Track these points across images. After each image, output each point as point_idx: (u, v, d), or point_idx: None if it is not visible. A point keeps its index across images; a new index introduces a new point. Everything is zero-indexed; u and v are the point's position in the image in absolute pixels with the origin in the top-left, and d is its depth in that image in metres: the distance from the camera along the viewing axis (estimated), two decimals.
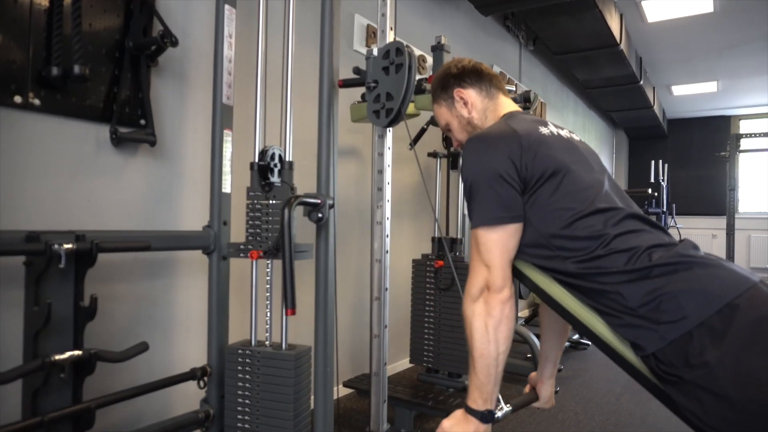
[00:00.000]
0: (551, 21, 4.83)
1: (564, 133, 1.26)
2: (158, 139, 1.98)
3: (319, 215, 1.71)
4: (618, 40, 5.29)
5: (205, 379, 1.91)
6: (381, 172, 1.77)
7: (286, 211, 1.52)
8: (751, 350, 0.90)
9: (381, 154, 1.77)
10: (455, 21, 4.24)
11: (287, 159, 1.91)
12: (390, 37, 1.78)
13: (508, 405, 1.30)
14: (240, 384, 1.87)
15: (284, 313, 1.62)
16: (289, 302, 1.50)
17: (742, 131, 9.55)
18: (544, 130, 1.21)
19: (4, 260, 1.51)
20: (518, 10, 4.85)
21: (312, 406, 1.82)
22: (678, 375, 0.96)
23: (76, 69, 1.64)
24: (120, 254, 1.88)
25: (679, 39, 6.10)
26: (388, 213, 1.78)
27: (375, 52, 1.71)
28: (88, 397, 1.52)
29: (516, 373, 3.36)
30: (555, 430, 2.59)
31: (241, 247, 1.90)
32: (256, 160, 1.85)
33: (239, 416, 1.87)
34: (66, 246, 1.41)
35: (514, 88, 2.90)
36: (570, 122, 7.40)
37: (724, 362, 0.91)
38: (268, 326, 1.88)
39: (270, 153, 1.88)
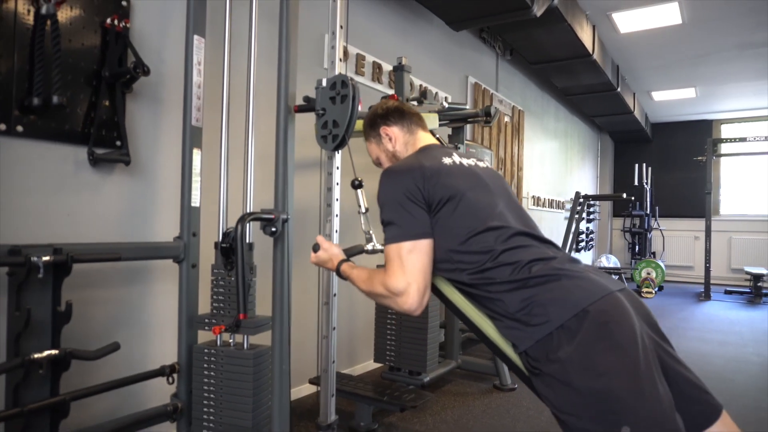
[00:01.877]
0: (525, 33, 5.04)
1: (467, 161, 1.46)
2: (133, 158, 2.18)
3: (273, 229, 1.91)
4: (590, 50, 5.50)
5: (174, 375, 2.11)
6: (330, 189, 1.97)
7: (239, 226, 1.73)
8: (594, 348, 1.11)
9: (330, 173, 1.97)
10: (428, 35, 4.44)
11: (248, 241, 2.07)
12: (339, 68, 1.98)
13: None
14: (206, 380, 2.08)
15: (238, 317, 1.82)
16: (242, 308, 1.71)
17: (723, 135, 9.76)
18: (447, 160, 1.41)
19: None
20: (491, 25, 5.06)
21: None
22: (539, 368, 1.17)
23: (55, 99, 1.85)
24: (99, 264, 2.08)
25: (653, 48, 6.31)
26: (336, 226, 1.98)
27: (324, 82, 1.91)
28: (66, 391, 1.72)
29: (481, 372, 3.57)
30: (506, 424, 2.79)
31: (206, 320, 2.10)
32: (220, 240, 2.04)
33: (205, 409, 2.08)
34: (44, 258, 1.62)
35: (467, 106, 3.09)
36: (551, 128, 7.61)
37: (573, 357, 1.11)
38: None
39: (232, 236, 2.05)
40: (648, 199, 9.28)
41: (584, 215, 8.37)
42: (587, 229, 9.01)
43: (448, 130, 3.55)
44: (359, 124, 2.69)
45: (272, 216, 1.90)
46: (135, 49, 2.11)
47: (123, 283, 2.20)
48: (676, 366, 1.23)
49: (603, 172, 10.58)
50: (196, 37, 2.21)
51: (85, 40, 2.04)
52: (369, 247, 1.84)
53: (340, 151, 1.97)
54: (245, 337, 2.08)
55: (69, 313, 1.69)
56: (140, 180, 2.25)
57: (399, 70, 2.90)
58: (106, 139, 2.10)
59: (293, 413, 2.79)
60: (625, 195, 7.14)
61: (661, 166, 10.11)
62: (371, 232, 1.83)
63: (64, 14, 1.96)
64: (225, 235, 2.05)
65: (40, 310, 1.64)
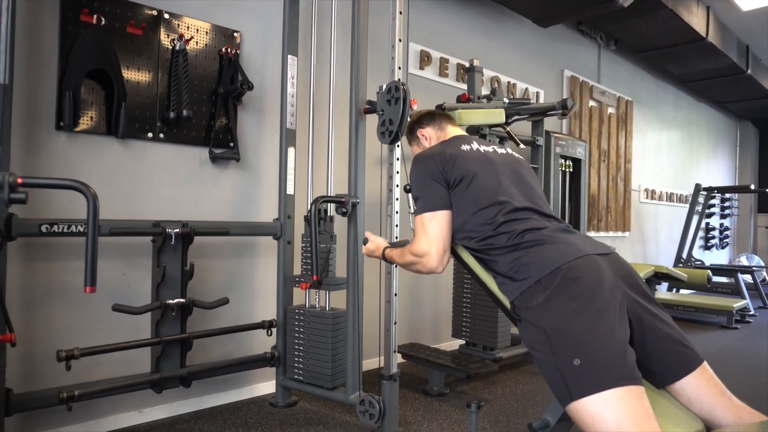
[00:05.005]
0: (622, 25, 4.95)
1: (484, 148, 1.74)
2: (242, 156, 2.75)
3: (344, 210, 2.33)
4: (704, 33, 5.20)
5: (273, 330, 2.63)
6: (391, 177, 2.33)
7: (314, 206, 2.17)
8: (559, 297, 1.34)
9: (391, 164, 2.34)
10: (518, 33, 4.59)
11: (330, 213, 2.58)
12: (399, 75, 2.33)
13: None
14: (296, 335, 2.56)
15: (313, 278, 2.27)
16: (315, 270, 2.14)
17: None
18: (465, 147, 1.71)
19: (141, 239, 2.35)
20: (581, 19, 5.03)
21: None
22: (520, 315, 1.43)
23: (185, 113, 2.45)
24: (217, 238, 2.67)
25: None
26: (397, 208, 2.34)
27: (383, 88, 2.28)
28: (191, 331, 2.30)
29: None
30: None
31: (296, 279, 2.59)
32: (309, 212, 2.52)
33: (296, 358, 2.56)
34: (175, 230, 2.20)
35: (531, 101, 3.24)
36: (669, 118, 7.19)
37: (543, 304, 1.36)
38: (317, 295, 2.55)
39: (316, 209, 2.52)
40: None
41: (715, 210, 7.73)
42: (721, 225, 8.29)
43: (529, 124, 3.72)
44: None
45: (342, 199, 2.32)
46: (242, 69, 2.67)
47: (234, 255, 2.78)
48: (653, 321, 1.40)
49: (743, 163, 9.59)
50: (290, 56, 2.72)
51: (207, 66, 2.63)
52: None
53: (399, 144, 2.32)
54: (327, 300, 2.53)
55: (192, 271, 2.26)
56: (247, 173, 2.82)
57: (470, 70, 3.17)
58: (222, 142, 2.68)
59: (372, 375, 3.20)
60: (753, 187, 6.49)
61: None
62: None
63: (191, 47, 2.57)
64: (311, 209, 2.52)
65: (173, 268, 2.23)
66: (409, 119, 2.00)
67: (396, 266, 2.18)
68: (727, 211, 8.38)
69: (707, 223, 7.97)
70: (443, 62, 3.87)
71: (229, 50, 2.66)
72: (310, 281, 2.41)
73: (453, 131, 1.87)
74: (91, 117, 2.27)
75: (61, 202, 2.17)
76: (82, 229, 2.01)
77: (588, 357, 1.26)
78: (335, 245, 2.55)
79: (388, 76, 2.32)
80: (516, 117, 3.38)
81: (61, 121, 2.17)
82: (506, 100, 3.02)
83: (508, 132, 3.13)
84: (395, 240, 1.99)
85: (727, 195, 7.98)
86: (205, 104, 2.63)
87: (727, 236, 8.55)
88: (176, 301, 2.22)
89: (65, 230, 2.00)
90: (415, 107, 2.26)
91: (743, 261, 8.40)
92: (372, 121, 2.52)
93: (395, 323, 2.34)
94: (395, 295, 2.34)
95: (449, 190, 1.64)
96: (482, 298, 3.21)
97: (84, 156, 2.28)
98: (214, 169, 2.69)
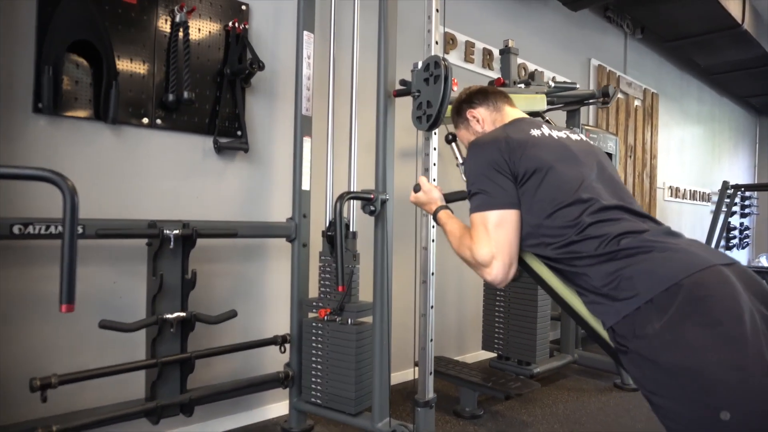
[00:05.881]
0: (653, 9, 4.62)
1: (557, 133, 1.40)
2: (252, 146, 2.41)
3: (372, 208, 1.99)
4: (740, 20, 4.87)
5: (286, 345, 2.29)
6: (427, 170, 2.00)
7: (338, 204, 1.83)
8: (685, 323, 1.01)
9: (427, 154, 2.00)
10: (544, 18, 4.26)
11: (352, 229, 2.23)
12: (435, 50, 2.00)
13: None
14: (314, 352, 2.23)
15: (337, 289, 1.92)
16: (340, 281, 1.81)
17: None
18: (535, 132, 1.37)
19: (135, 242, 2.01)
20: (613, 2, 4.71)
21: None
22: (626, 345, 1.09)
23: (185, 94, 2.11)
24: (222, 240, 2.33)
25: None
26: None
27: (419, 65, 1.94)
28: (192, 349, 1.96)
29: (600, 369, 3.36)
30: (624, 424, 2.60)
31: (314, 303, 2.25)
32: (326, 229, 2.20)
33: (313, 378, 2.23)
34: (175, 232, 1.86)
35: (577, 85, 2.91)
36: (693, 112, 6.86)
37: (662, 333, 1.03)
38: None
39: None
40: None
41: (735, 208, 7.40)
42: (741, 224, 7.96)
43: (563, 114, 3.38)
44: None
45: (371, 195, 1.98)
46: (252, 47, 2.32)
47: (243, 260, 2.44)
48: None
49: (762, 160, 9.26)
50: (305, 32, 2.37)
51: (211, 43, 2.29)
52: None
53: (436, 132, 1.99)
54: None
55: (194, 280, 1.92)
56: (257, 166, 2.48)
57: (505, 53, 2.83)
58: (229, 130, 2.34)
59: (398, 394, 2.87)
60: None
61: None
62: None
63: (193, 21, 2.22)
64: (331, 224, 2.17)
65: (172, 277, 1.89)
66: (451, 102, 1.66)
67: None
68: (747, 210, 8.06)
69: (728, 222, 7.66)
70: (469, 46, 3.53)
71: (236, 25, 2.32)
72: (333, 307, 2.09)
73: (512, 113, 1.53)
74: (76, 98, 1.93)
75: (42, 198, 1.83)
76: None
77: (744, 410, 0.93)
78: (359, 265, 2.21)
79: (412, 60, 1.98)
80: (550, 107, 3.05)
81: (40, 102, 1.83)
82: (552, 83, 2.68)
83: (547, 122, 2.79)
84: (450, 192, 1.65)
85: (748, 193, 7.66)
86: (209, 86, 2.29)
87: (747, 236, 8.22)
88: (175, 315, 1.88)
89: (42, 231, 1.66)
90: (456, 89, 1.93)
91: (763, 261, 8.08)
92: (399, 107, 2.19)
93: (432, 340, 2.01)
94: (431, 307, 2.01)
95: (517, 186, 1.31)
96: (518, 306, 2.88)
97: (68, 144, 1.94)
98: (219, 161, 2.35)
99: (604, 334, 1.20)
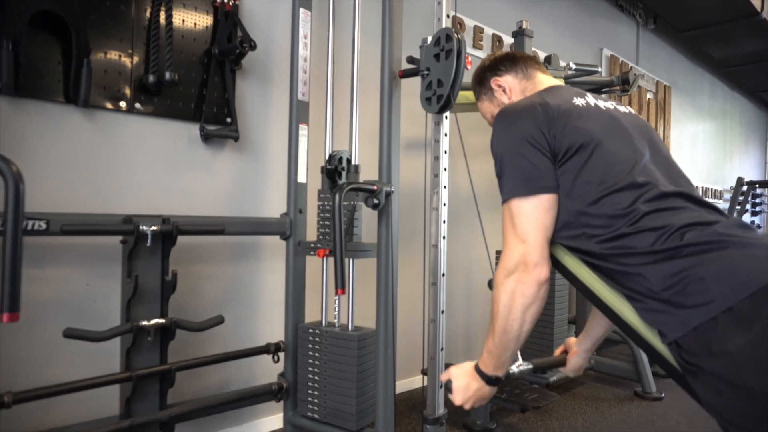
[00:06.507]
0: None
1: (604, 104, 1.18)
2: (243, 134, 2.19)
3: (375, 201, 1.77)
4: (759, 7, 4.65)
5: (280, 354, 2.07)
6: (437, 158, 1.78)
7: (337, 196, 1.61)
8: None
9: (437, 141, 1.79)
10: (555, 5, 4.04)
11: (354, 162, 2.01)
12: (447, 23, 1.78)
13: (529, 363, 1.29)
14: (310, 361, 2.01)
15: (336, 293, 1.70)
16: (339, 283, 1.59)
17: None
18: (578, 101, 1.15)
19: (111, 240, 1.79)
20: None
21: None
22: (698, 364, 0.87)
23: (167, 75, 1.89)
24: (211, 239, 2.12)
25: None
26: (445, 199, 1.79)
27: (429, 40, 1.73)
28: (174, 360, 1.75)
29: (619, 376, 3.14)
30: None
31: (311, 245, 2.03)
32: (325, 164, 1.97)
33: (309, 391, 2.01)
34: (152, 228, 1.64)
35: (599, 69, 2.70)
36: (705, 107, 6.63)
37: (749, 352, 0.81)
38: (336, 309, 1.99)
39: (337, 157, 1.99)
40: None
41: (747, 206, 7.19)
42: (752, 222, 7.74)
43: None
44: (469, 97, 2.47)
45: (374, 187, 1.76)
46: (243, 25, 2.11)
47: (232, 260, 2.22)
48: None
49: None
50: (302, 10, 2.15)
51: (198, 20, 2.07)
52: (514, 367, 1.26)
53: (447, 116, 1.77)
54: (349, 318, 1.98)
55: (174, 282, 1.71)
56: (249, 156, 2.26)
57: (519, 35, 2.61)
58: (217, 116, 2.12)
59: (404, 404, 2.65)
60: None
61: None
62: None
63: None
64: (330, 157, 1.98)
65: (149, 279, 1.67)
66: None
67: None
68: (758, 208, 7.85)
69: None
70: (477, 32, 3.32)
71: (226, 0, 2.10)
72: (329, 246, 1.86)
73: (546, 81, 1.31)
74: (42, 77, 1.71)
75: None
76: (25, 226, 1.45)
77: None
78: (361, 203, 1.94)
79: (417, 45, 1.77)
80: None
81: None
82: (573, 65, 2.46)
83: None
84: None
85: (759, 191, 7.45)
86: (195, 68, 2.07)
87: None
88: (153, 321, 1.66)
89: None
90: (470, 68, 1.71)
91: None
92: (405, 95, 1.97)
93: (442, 349, 1.79)
94: (442, 312, 1.79)
95: (556, 165, 1.09)
96: None
97: (32, 129, 1.72)
98: (207, 151, 2.13)
99: (663, 348, 0.98)
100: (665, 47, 5.64)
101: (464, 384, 1.15)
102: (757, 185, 6.55)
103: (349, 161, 1.99)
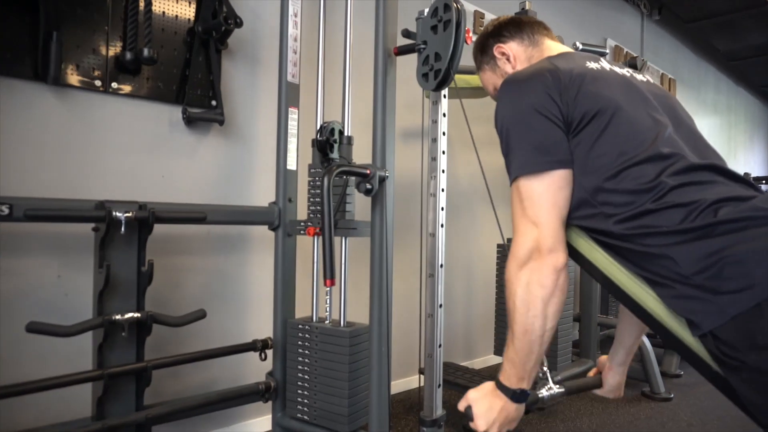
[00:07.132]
0: None
1: (620, 70, 1.06)
2: (229, 118, 2.06)
3: (368, 186, 1.64)
4: None
5: (267, 351, 1.94)
6: (435, 140, 1.66)
7: (326, 179, 1.48)
8: None
9: (435, 121, 1.66)
10: None
11: (346, 134, 1.88)
12: None
13: (560, 386, 1.15)
14: (300, 359, 1.88)
15: (325, 284, 1.57)
16: (328, 272, 1.46)
17: None
18: (592, 64, 1.02)
19: (84, 228, 1.66)
20: None
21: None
22: (740, 359, 0.75)
23: (146, 52, 1.76)
24: (194, 229, 1.99)
25: None
26: (443, 184, 1.66)
27: (426, 12, 1.60)
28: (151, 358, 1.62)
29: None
30: None
31: (302, 224, 1.91)
32: (316, 135, 1.85)
33: (299, 391, 1.88)
34: (127, 214, 1.51)
35: (606, 51, 2.58)
36: (710, 102, 6.51)
37: None
38: (327, 303, 1.86)
39: (329, 128, 1.86)
40: None
41: None
42: None
43: None
44: (470, 81, 2.33)
45: (367, 171, 1.63)
46: (228, 1, 1.97)
47: (218, 251, 2.09)
48: None
49: None
50: None
51: None
52: (544, 391, 1.14)
53: (446, 94, 1.64)
54: (341, 313, 1.85)
55: (151, 273, 1.58)
56: (235, 141, 2.13)
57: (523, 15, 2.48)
58: (201, 99, 2.00)
59: (400, 405, 2.53)
60: None
61: None
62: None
63: None
64: (321, 128, 1.85)
65: (123, 269, 1.54)
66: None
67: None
68: None
69: None
70: (478, 17, 3.19)
71: None
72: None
73: (555, 47, 1.19)
74: (7, 50, 1.58)
75: None
76: None
77: None
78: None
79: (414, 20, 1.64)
80: None
81: None
82: (579, 44, 2.33)
83: None
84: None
85: (764, 187, 7.34)
86: (177, 47, 1.95)
87: None
88: (128, 316, 1.53)
89: None
90: (470, 43, 1.58)
91: None
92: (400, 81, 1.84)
93: (440, 346, 1.66)
94: (440, 306, 1.66)
95: (569, 136, 0.96)
96: None
97: None
98: (190, 135, 2.00)
99: (692, 342, 0.85)
100: (670, 39, 5.52)
101: (486, 406, 0.99)
102: (763, 181, 6.43)
103: (341, 132, 1.86)
